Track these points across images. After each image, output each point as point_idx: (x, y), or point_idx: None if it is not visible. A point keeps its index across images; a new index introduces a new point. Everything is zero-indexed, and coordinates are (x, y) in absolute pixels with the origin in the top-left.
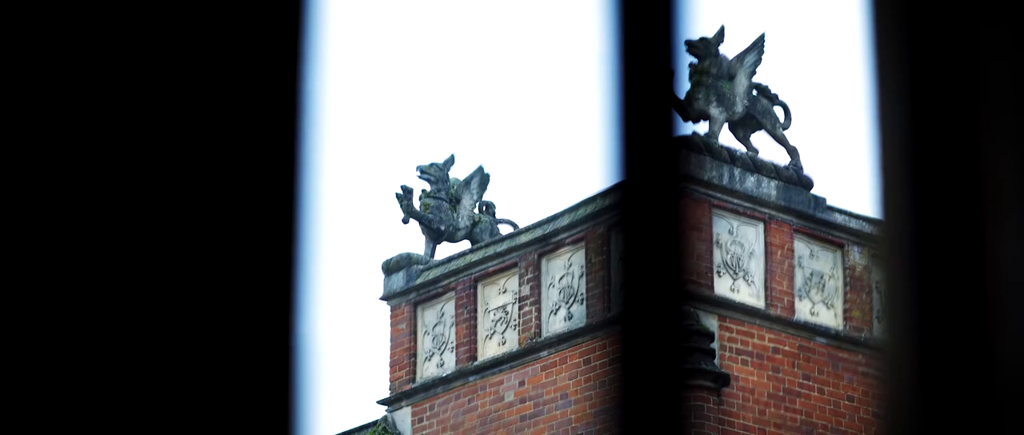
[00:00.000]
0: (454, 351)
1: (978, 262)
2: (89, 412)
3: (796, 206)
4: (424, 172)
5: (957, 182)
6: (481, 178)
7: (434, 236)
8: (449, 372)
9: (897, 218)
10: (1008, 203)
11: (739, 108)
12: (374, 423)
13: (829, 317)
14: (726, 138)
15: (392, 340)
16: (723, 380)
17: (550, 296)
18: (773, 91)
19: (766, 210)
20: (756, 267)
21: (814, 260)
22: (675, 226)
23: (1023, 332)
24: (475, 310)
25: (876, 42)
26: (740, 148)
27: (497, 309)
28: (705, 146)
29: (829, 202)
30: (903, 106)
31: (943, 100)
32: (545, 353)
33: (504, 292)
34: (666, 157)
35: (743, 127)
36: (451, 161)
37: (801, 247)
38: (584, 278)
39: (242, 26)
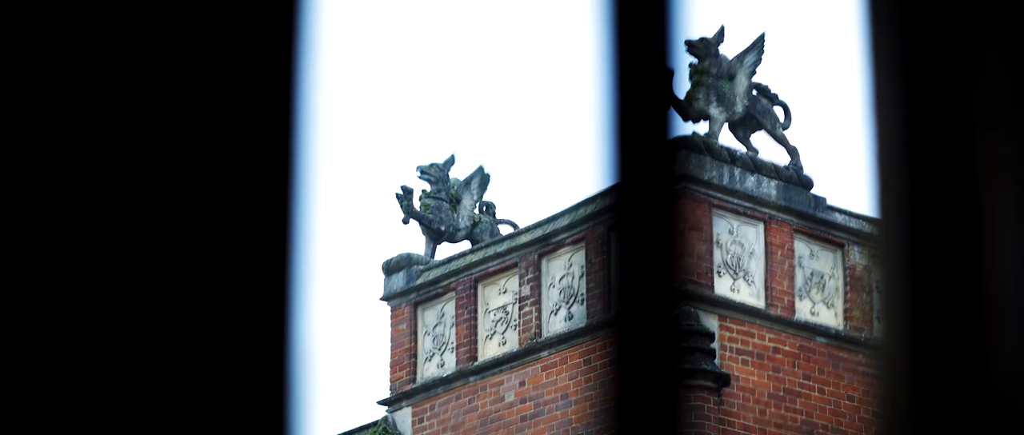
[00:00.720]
0: (454, 351)
1: (974, 260)
2: (87, 413)
3: (796, 206)
4: (424, 172)
5: (954, 180)
6: (481, 178)
7: (434, 236)
8: (449, 372)
9: (894, 217)
10: (1005, 201)
11: (739, 108)
12: (374, 423)
13: (829, 317)
14: (726, 138)
15: (392, 340)
16: (723, 380)
17: (550, 296)
18: (773, 91)
19: (766, 210)
20: (756, 267)
21: (814, 260)
22: (671, 226)
23: (1019, 330)
24: (475, 310)
25: (873, 41)
26: (740, 148)
27: (497, 309)
28: (705, 146)
29: (829, 202)
30: (900, 105)
31: (940, 98)
32: (545, 353)
33: (504, 292)
34: (662, 158)
35: (743, 127)
36: (451, 161)
37: (801, 247)
38: (584, 278)
39: (239, 25)
